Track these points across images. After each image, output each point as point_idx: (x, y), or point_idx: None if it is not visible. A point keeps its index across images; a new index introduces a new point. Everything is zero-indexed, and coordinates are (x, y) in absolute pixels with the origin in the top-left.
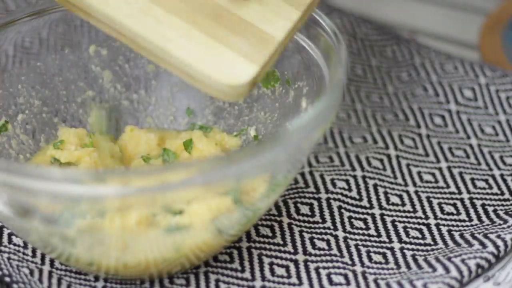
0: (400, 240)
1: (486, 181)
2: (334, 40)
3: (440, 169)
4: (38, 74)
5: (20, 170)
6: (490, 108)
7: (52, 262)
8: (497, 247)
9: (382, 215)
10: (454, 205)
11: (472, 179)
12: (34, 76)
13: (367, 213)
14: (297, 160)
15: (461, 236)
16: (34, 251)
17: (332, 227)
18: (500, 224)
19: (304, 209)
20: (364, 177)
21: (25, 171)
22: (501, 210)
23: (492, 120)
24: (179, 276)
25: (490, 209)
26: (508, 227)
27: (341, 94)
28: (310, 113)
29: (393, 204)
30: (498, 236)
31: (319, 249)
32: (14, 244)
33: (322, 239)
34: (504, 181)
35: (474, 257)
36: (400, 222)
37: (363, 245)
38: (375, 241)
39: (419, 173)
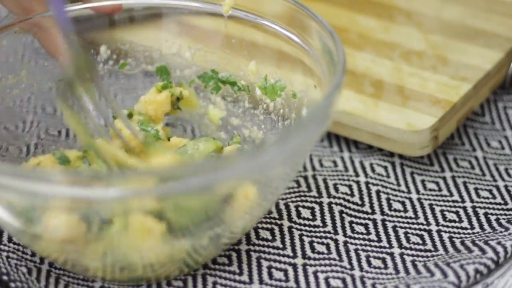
0: (401, 246)
1: (490, 191)
2: (331, 41)
3: (444, 178)
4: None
5: (17, 173)
6: (497, 123)
7: (51, 261)
8: (496, 253)
9: (383, 220)
10: (457, 213)
11: (476, 189)
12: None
13: (369, 218)
14: (291, 168)
15: (462, 243)
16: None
17: (332, 231)
18: (501, 232)
19: (306, 213)
20: (367, 183)
21: (23, 173)
22: (504, 219)
23: (499, 135)
24: (176, 278)
25: (492, 218)
26: (510, 234)
27: (339, 95)
28: (306, 116)
29: (395, 210)
30: (499, 243)
31: (318, 253)
32: (14, 243)
33: (322, 243)
34: (508, 191)
35: (473, 263)
36: (401, 227)
37: (363, 250)
38: (375, 246)
39: (422, 181)
